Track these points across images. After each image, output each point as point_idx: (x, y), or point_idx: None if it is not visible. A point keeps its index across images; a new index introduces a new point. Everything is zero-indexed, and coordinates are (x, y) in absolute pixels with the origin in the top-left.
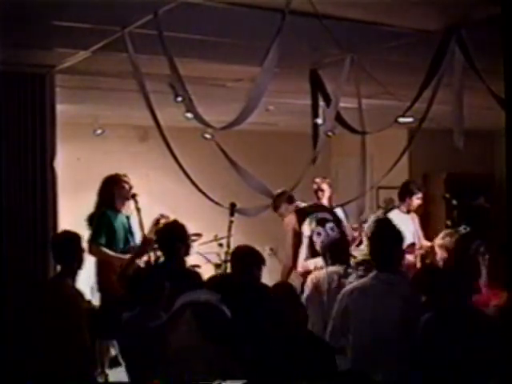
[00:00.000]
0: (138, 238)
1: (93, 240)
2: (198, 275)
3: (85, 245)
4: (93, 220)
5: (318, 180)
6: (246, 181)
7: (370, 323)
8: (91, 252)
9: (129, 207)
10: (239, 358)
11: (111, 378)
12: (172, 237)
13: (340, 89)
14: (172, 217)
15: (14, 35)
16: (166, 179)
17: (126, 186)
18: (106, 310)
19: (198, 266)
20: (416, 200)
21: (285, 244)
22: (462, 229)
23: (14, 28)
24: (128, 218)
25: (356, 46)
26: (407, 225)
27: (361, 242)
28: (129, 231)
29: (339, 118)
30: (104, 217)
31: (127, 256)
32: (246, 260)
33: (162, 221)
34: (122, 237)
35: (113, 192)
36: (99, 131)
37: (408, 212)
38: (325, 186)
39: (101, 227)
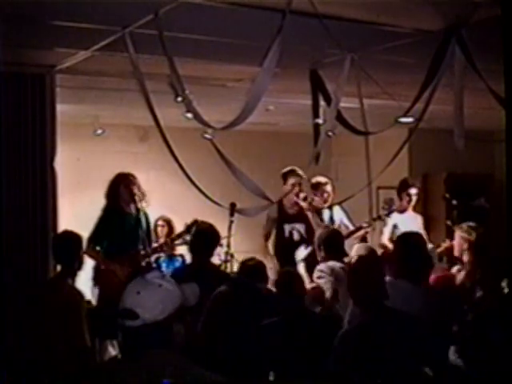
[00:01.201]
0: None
1: (88, 241)
2: (226, 275)
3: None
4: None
5: (322, 180)
6: (240, 181)
7: None
8: (85, 253)
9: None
10: None
11: None
12: (207, 239)
13: (340, 89)
14: (171, 217)
15: (14, 35)
16: (166, 179)
17: (126, 190)
18: (102, 310)
19: None
20: (407, 196)
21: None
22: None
23: (14, 28)
24: (138, 218)
25: (356, 46)
26: (406, 224)
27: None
28: (138, 233)
29: (341, 119)
30: (105, 219)
31: (113, 264)
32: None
33: (160, 222)
34: (130, 239)
35: (118, 193)
36: (99, 131)
37: (403, 211)
38: (329, 188)
39: (99, 229)
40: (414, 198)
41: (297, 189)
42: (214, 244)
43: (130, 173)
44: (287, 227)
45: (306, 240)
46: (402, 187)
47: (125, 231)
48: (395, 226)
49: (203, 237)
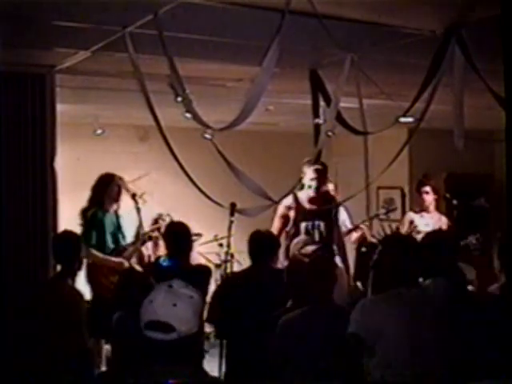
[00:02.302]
0: (129, 238)
1: (83, 241)
2: (208, 269)
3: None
4: (84, 216)
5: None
6: (242, 182)
7: None
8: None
9: (120, 206)
10: None
11: None
12: (180, 236)
13: (340, 89)
14: (171, 216)
15: (14, 35)
16: (166, 179)
17: (116, 188)
18: (95, 309)
19: None
20: (420, 196)
21: None
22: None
23: (14, 28)
24: (117, 217)
25: (356, 46)
26: (424, 225)
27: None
28: (119, 231)
29: (340, 119)
30: (94, 217)
31: (117, 259)
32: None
33: (161, 221)
34: (112, 237)
35: (104, 191)
36: (99, 131)
37: (421, 211)
38: (331, 188)
39: (91, 228)
40: (426, 197)
41: (315, 183)
42: (189, 243)
43: (116, 174)
44: (304, 225)
45: (327, 240)
46: (417, 187)
47: (110, 229)
48: (411, 222)
49: (176, 239)
